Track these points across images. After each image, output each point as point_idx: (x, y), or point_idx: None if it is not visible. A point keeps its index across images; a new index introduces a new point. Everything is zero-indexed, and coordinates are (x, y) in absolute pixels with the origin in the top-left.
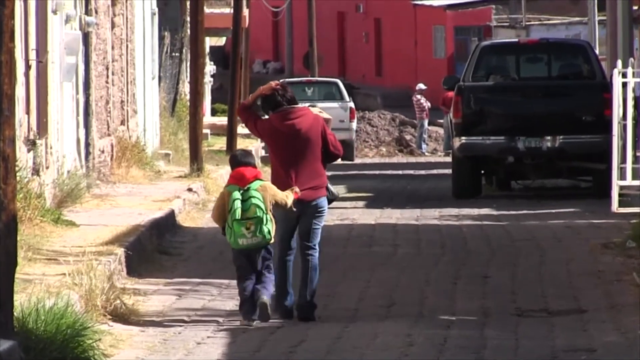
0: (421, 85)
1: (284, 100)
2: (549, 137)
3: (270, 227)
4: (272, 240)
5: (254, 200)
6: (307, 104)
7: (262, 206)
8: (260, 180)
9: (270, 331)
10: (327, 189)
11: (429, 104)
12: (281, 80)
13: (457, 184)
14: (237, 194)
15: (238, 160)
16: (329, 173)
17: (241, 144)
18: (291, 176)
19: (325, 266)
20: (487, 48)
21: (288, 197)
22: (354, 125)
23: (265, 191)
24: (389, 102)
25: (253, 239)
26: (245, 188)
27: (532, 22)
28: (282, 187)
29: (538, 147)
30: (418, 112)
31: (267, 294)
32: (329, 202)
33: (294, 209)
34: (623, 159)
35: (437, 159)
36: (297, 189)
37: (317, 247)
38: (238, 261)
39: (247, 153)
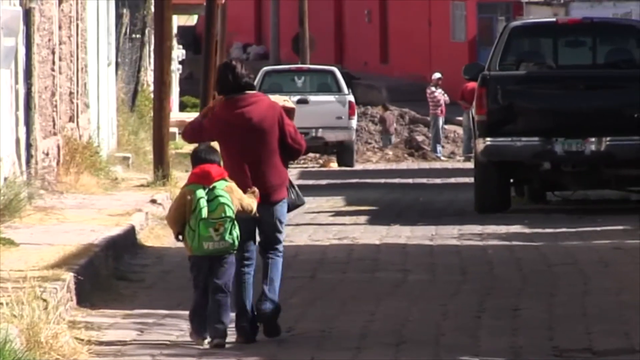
0: (437, 75)
1: (236, 85)
2: (593, 139)
3: (238, 232)
4: (235, 250)
5: (222, 200)
6: (296, 97)
7: (232, 206)
8: (226, 180)
9: None
10: (289, 190)
11: (446, 98)
12: (264, 68)
13: (481, 195)
14: (202, 192)
15: (201, 157)
16: (323, 182)
17: (216, 145)
18: (245, 173)
19: (319, 295)
20: (517, 29)
21: (253, 202)
22: (354, 123)
23: (232, 193)
24: (397, 95)
25: (221, 243)
26: (211, 187)
27: None
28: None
29: (580, 151)
30: (432, 107)
31: (221, 330)
32: (290, 208)
33: (257, 215)
34: None
35: (456, 164)
36: (256, 191)
37: (281, 251)
38: (196, 270)
39: (212, 150)
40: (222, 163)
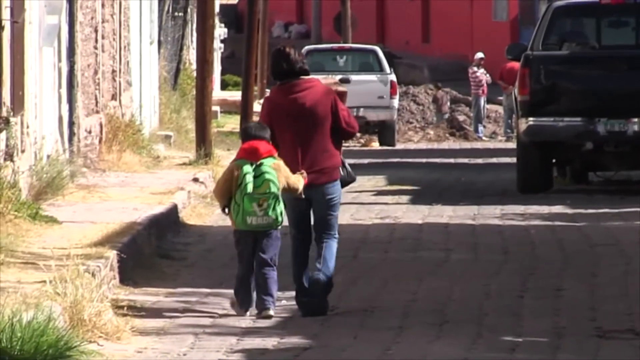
0: (479, 55)
1: (290, 70)
2: (635, 119)
3: (282, 208)
4: (280, 225)
5: (267, 176)
6: (338, 77)
7: (277, 182)
8: (274, 157)
9: (294, 353)
10: (342, 167)
11: (488, 78)
12: (306, 47)
13: (523, 175)
14: (248, 168)
15: (251, 133)
16: (365, 161)
17: None
18: (297, 158)
19: (362, 274)
20: (561, 9)
21: (300, 182)
22: (396, 102)
23: (279, 170)
24: (438, 75)
25: (264, 219)
26: (258, 163)
27: None
28: (289, 168)
29: (623, 132)
30: (474, 87)
31: (270, 301)
32: (343, 184)
33: (303, 196)
34: None
35: (497, 144)
36: (305, 174)
37: (334, 235)
38: (241, 245)
39: (262, 127)
40: (270, 139)
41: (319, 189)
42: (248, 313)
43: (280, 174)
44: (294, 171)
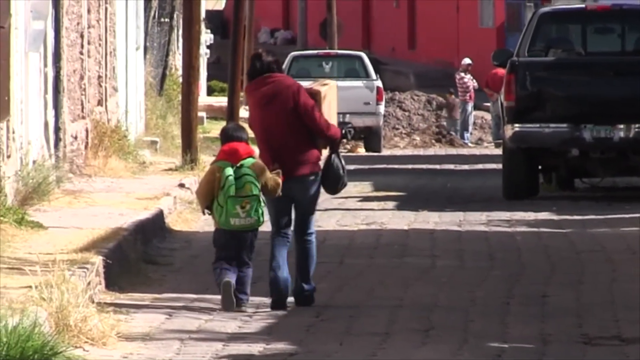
0: (467, 60)
1: (262, 68)
2: (622, 126)
3: (263, 209)
4: (261, 225)
5: (248, 178)
6: (327, 81)
7: (257, 184)
8: (253, 158)
9: (280, 358)
10: (332, 164)
11: (474, 84)
12: (292, 54)
13: (509, 181)
14: (230, 170)
15: (230, 134)
16: (351, 167)
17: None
18: (270, 151)
19: (348, 280)
20: (546, 15)
21: (279, 184)
22: (382, 108)
23: (258, 170)
24: (424, 81)
25: (247, 220)
26: (238, 165)
27: None
28: (265, 163)
29: (608, 138)
30: (461, 93)
31: (245, 299)
32: (334, 180)
33: (280, 194)
34: None
35: (483, 150)
36: (279, 172)
37: (311, 232)
38: (222, 241)
39: (240, 127)
40: (248, 140)
41: (297, 183)
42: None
43: (259, 173)
44: (267, 163)
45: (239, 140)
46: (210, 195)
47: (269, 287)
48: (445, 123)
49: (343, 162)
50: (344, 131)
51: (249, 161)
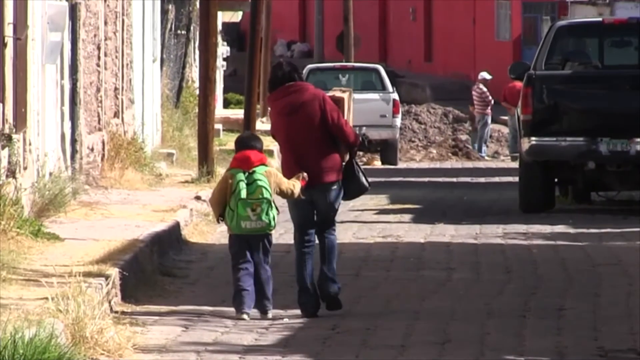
0: (485, 75)
1: (283, 77)
2: (638, 139)
3: (275, 213)
4: (274, 230)
5: (260, 183)
6: (343, 89)
7: (269, 189)
8: (265, 165)
9: None
10: (354, 174)
11: (490, 98)
12: (309, 66)
13: (525, 195)
14: (241, 176)
15: (244, 142)
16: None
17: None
18: (294, 159)
19: (364, 293)
20: (563, 29)
21: (295, 186)
22: (398, 121)
23: (270, 177)
24: (440, 94)
25: (257, 223)
26: (250, 171)
27: None
28: (289, 172)
29: (625, 151)
30: (482, 106)
31: (268, 304)
32: (357, 186)
33: (302, 197)
34: None
35: (500, 164)
36: (304, 175)
37: (334, 230)
38: (236, 247)
39: (254, 137)
40: (262, 149)
41: (321, 190)
42: (245, 316)
43: (271, 179)
44: (292, 171)
45: (252, 149)
46: (223, 203)
47: (298, 295)
48: (469, 137)
49: (362, 168)
50: (361, 138)
51: (261, 168)
